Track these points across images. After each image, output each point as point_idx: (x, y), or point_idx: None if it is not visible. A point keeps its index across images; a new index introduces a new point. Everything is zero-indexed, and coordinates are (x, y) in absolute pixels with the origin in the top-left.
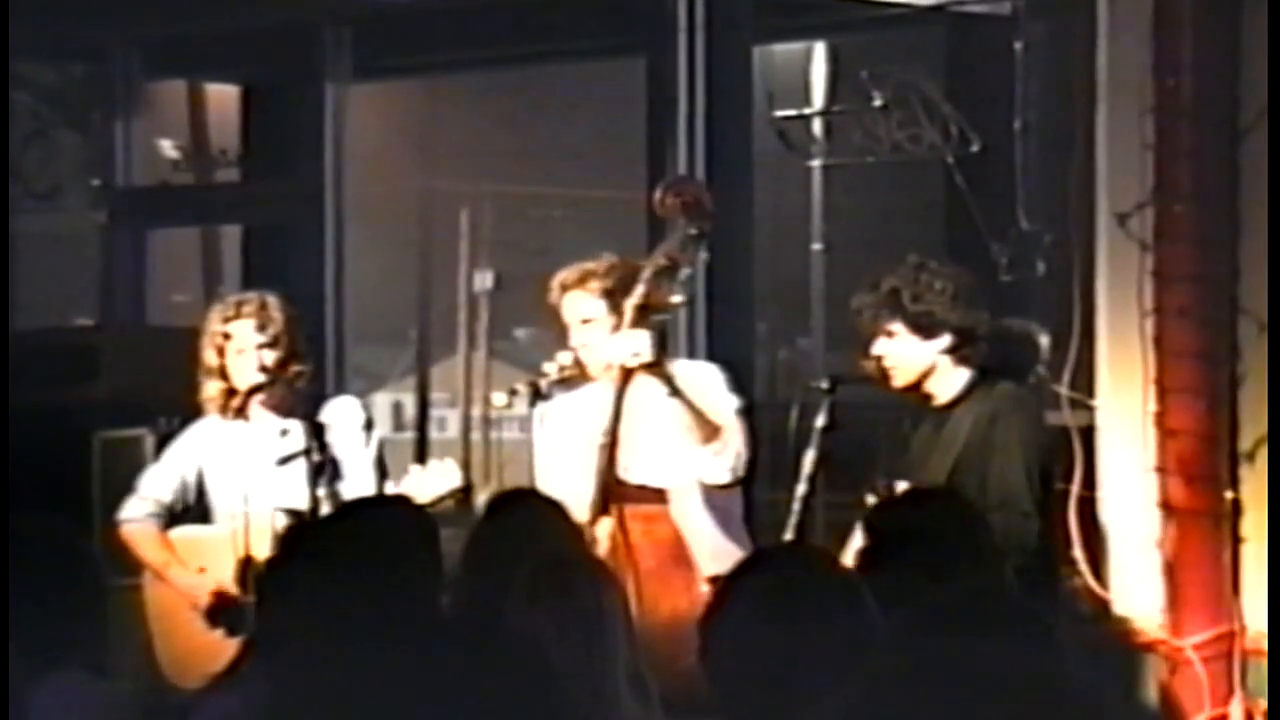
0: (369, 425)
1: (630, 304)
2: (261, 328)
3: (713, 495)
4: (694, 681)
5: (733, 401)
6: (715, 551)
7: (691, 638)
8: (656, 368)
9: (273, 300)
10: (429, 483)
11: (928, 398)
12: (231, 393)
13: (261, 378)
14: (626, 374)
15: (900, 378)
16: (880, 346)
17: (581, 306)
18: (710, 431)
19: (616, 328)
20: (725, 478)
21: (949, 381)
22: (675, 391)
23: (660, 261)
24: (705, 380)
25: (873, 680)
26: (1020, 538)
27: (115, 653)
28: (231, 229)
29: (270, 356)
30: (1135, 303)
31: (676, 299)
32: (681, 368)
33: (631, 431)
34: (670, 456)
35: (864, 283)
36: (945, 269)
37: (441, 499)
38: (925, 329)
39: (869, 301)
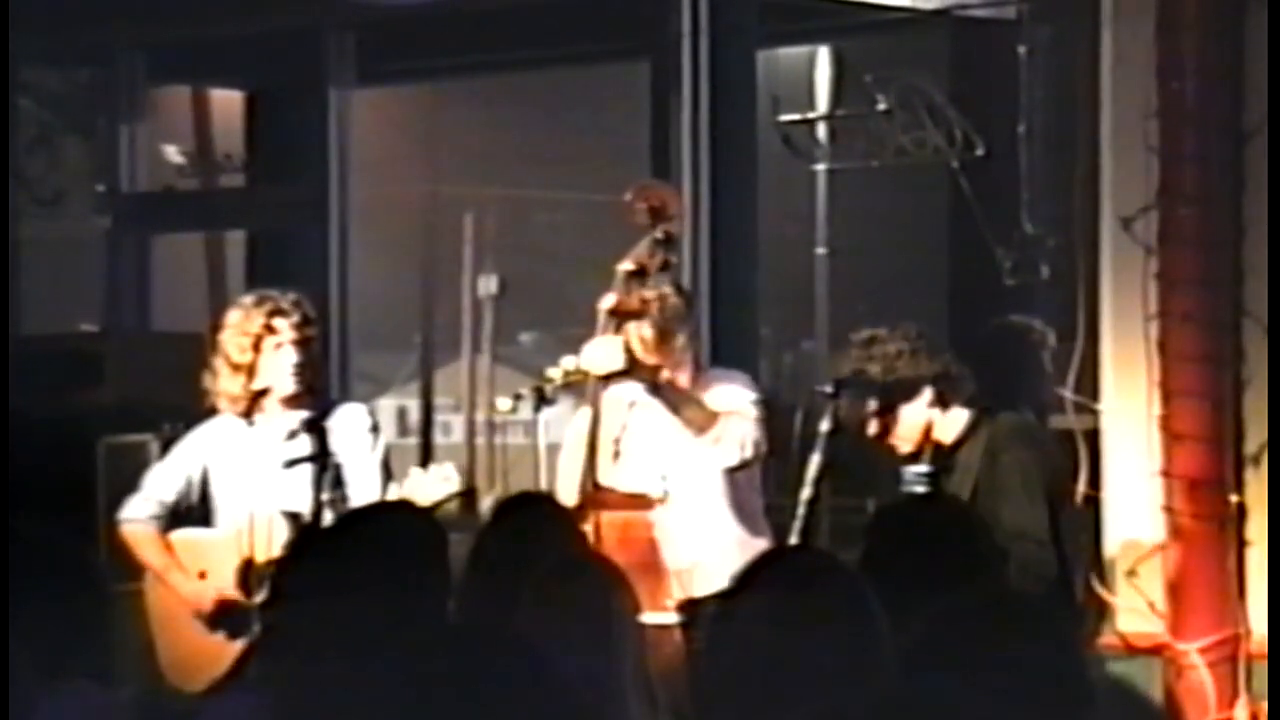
0: (375, 429)
1: (601, 309)
2: (303, 325)
3: (731, 487)
4: (657, 685)
5: (744, 393)
6: (736, 543)
7: (653, 643)
8: (634, 371)
9: (303, 298)
10: (428, 486)
11: (938, 445)
12: (256, 390)
13: (295, 375)
14: (603, 382)
15: (906, 446)
16: (874, 428)
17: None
18: (706, 419)
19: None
20: (733, 460)
21: (949, 425)
22: (655, 389)
23: (629, 267)
24: (716, 380)
25: (884, 684)
26: (1038, 568)
27: (119, 660)
28: (236, 234)
29: (305, 356)
30: (1139, 306)
31: (651, 304)
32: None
33: (616, 439)
34: (672, 457)
35: (829, 377)
36: (893, 331)
37: (441, 503)
38: (905, 394)
39: (842, 379)
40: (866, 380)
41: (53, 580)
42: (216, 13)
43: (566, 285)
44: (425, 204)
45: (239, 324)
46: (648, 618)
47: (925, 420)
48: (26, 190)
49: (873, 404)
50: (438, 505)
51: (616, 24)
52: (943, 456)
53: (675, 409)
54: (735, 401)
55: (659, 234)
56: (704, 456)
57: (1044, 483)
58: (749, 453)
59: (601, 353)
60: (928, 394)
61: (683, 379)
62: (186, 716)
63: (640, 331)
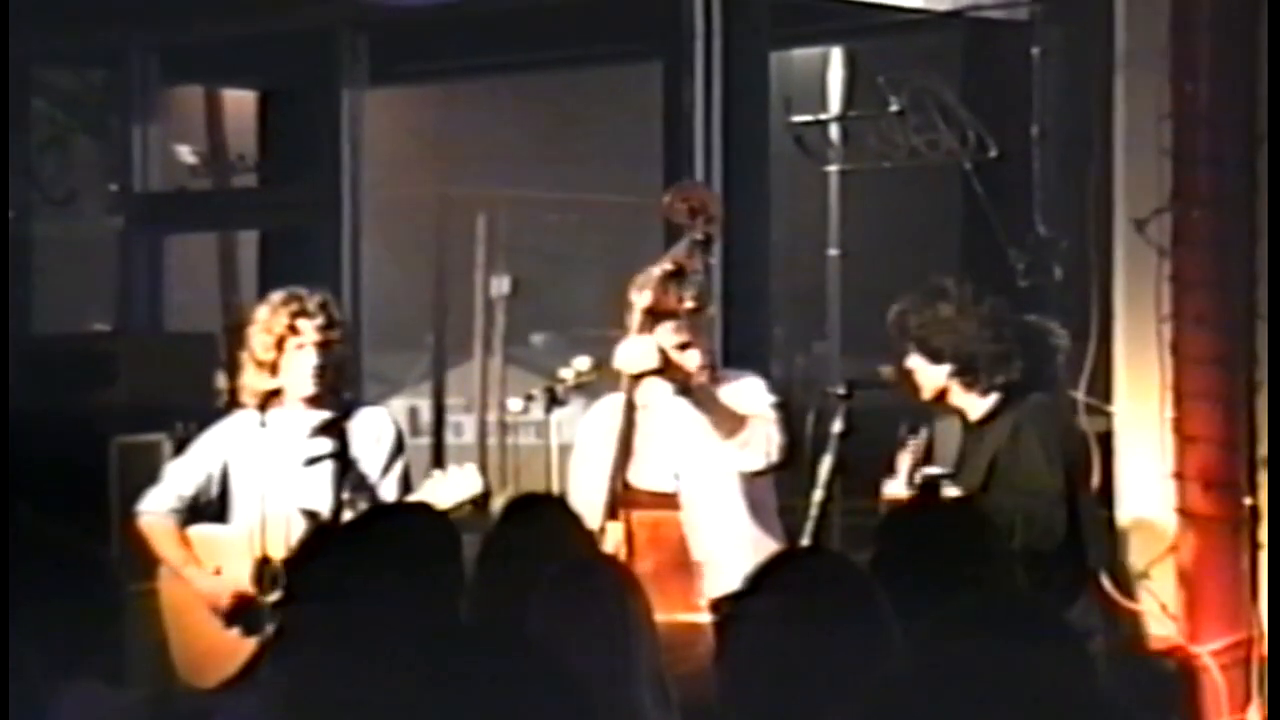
0: (399, 447)
1: (638, 308)
2: (326, 327)
3: (748, 488)
4: (688, 685)
5: (765, 396)
6: (751, 544)
7: (682, 645)
8: (666, 371)
9: (332, 299)
10: (449, 488)
11: (960, 411)
12: (277, 388)
13: (315, 377)
14: (635, 381)
15: (922, 391)
16: (908, 360)
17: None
18: (734, 424)
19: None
20: (759, 464)
21: (970, 402)
22: (685, 390)
23: (667, 266)
24: (735, 382)
25: (895, 685)
26: (1048, 525)
27: (132, 659)
28: (248, 234)
29: (326, 358)
30: (1153, 308)
31: (687, 304)
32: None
33: (645, 437)
34: (690, 457)
35: (898, 295)
36: (958, 297)
37: (461, 504)
38: (928, 354)
39: (890, 318)
40: (909, 324)
41: (64, 580)
42: (229, 13)
43: (578, 286)
44: (437, 205)
45: (265, 321)
46: (681, 617)
47: (940, 386)
48: (39, 190)
49: (906, 344)
50: (458, 506)
51: (629, 25)
52: (970, 430)
53: (705, 411)
54: (758, 405)
55: (699, 235)
56: (729, 460)
57: (1064, 453)
58: (775, 458)
59: (636, 352)
60: (948, 367)
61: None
62: (199, 716)
63: (669, 329)
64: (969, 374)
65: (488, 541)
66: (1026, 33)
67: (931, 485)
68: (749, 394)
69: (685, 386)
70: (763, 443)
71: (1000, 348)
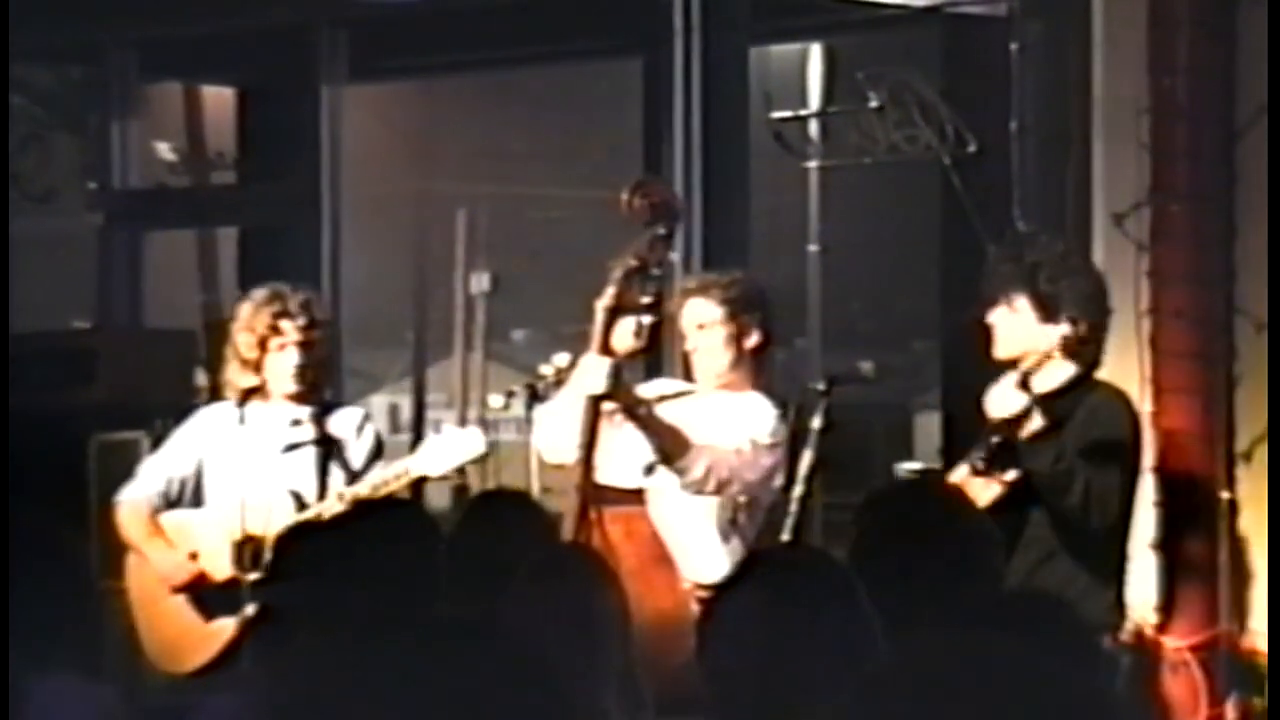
0: (378, 451)
1: (600, 306)
2: (308, 327)
3: (685, 501)
4: (679, 681)
5: (751, 428)
6: (715, 541)
7: (674, 636)
8: (615, 396)
9: (315, 298)
10: (450, 450)
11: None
12: (258, 385)
13: (296, 377)
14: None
15: (1003, 348)
16: (995, 316)
17: (699, 312)
18: (678, 450)
19: (733, 336)
20: (689, 492)
21: (1052, 372)
22: (631, 414)
23: (630, 263)
24: (738, 401)
25: (879, 681)
26: (1108, 500)
27: (110, 655)
28: (228, 231)
29: (310, 356)
30: (1131, 303)
31: (644, 300)
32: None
33: (611, 435)
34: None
35: (1003, 248)
36: (1087, 264)
37: (462, 466)
38: (1048, 310)
39: (1007, 269)
40: (1039, 270)
41: (43, 577)
42: (208, 9)
43: (559, 282)
44: (418, 201)
45: (247, 320)
46: (664, 610)
47: (1046, 347)
48: (18, 187)
49: (1019, 299)
50: (458, 468)
51: (609, 21)
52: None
53: (648, 436)
54: (733, 433)
55: (661, 230)
56: (666, 477)
57: (1077, 429)
58: (709, 488)
59: (588, 375)
60: (1063, 328)
61: (723, 378)
62: (174, 710)
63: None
64: (1077, 342)
65: (454, 537)
66: (1005, 28)
67: (1005, 452)
68: (737, 418)
69: (632, 413)
70: (699, 473)
71: (1108, 327)
